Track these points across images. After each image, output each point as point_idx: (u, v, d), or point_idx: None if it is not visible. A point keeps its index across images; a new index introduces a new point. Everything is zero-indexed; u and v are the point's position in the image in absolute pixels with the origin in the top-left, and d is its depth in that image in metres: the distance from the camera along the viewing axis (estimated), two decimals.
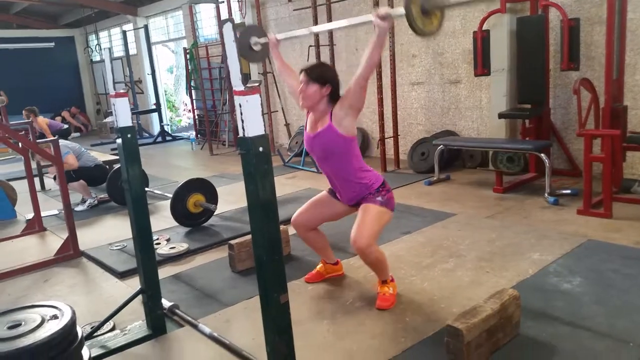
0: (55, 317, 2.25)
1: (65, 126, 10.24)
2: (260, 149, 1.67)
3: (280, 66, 3.13)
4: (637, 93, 4.87)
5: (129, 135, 2.47)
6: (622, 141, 4.35)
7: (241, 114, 1.64)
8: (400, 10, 2.06)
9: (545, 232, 3.87)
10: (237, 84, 1.63)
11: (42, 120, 9.13)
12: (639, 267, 3.14)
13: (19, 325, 2.19)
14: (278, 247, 1.78)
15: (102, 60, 14.41)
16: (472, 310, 2.33)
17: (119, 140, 2.47)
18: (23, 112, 8.64)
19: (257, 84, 1.65)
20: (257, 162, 1.67)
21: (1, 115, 4.96)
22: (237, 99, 1.64)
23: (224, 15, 8.25)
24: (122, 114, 2.44)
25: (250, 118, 1.65)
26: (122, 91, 2.40)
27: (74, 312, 2.28)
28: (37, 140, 4.43)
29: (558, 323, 2.59)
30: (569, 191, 4.72)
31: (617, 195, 4.31)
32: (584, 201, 4.19)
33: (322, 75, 2.78)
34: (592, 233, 3.77)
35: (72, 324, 2.24)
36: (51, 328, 2.17)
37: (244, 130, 1.66)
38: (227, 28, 1.60)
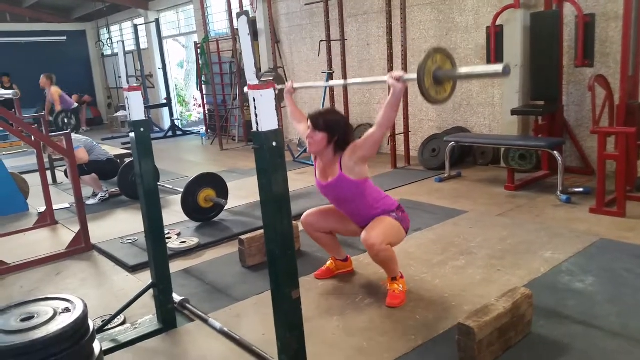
0: (67, 310, 2.27)
1: (76, 104, 10.13)
2: (274, 143, 1.67)
3: (293, 112, 3.22)
4: None
5: (142, 129, 2.47)
6: (637, 139, 4.28)
7: (255, 108, 1.63)
8: (414, 75, 2.11)
9: (558, 230, 3.83)
10: (251, 77, 1.62)
11: (55, 91, 9.14)
12: None
13: (32, 317, 2.21)
14: (290, 242, 1.78)
15: (114, 55, 14.47)
16: (483, 308, 2.32)
17: (132, 134, 2.47)
18: (42, 76, 8.74)
19: (271, 78, 1.63)
20: (271, 156, 1.66)
21: (14, 107, 5.00)
22: (252, 93, 1.63)
23: (235, 9, 8.24)
24: (135, 108, 2.44)
25: (264, 112, 1.64)
26: (135, 85, 2.40)
27: (85, 306, 2.29)
28: (50, 134, 4.45)
29: (570, 322, 2.56)
30: (581, 189, 4.67)
31: (630, 194, 4.26)
32: (597, 200, 4.15)
33: (328, 123, 2.78)
34: (605, 232, 3.73)
35: (84, 317, 2.25)
36: (63, 321, 2.18)
37: (257, 124, 1.65)
38: (242, 21, 1.58)
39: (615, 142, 4.24)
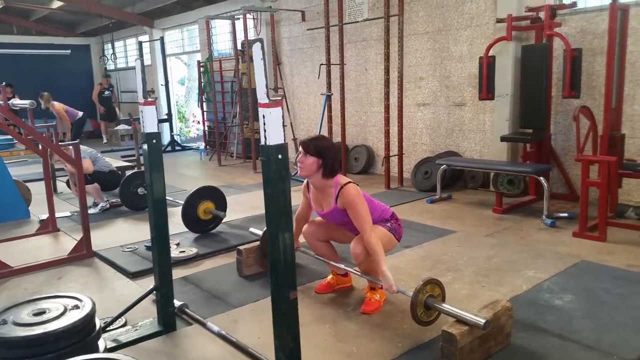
0: (76, 307, 2.42)
1: (81, 113, 10.60)
2: (280, 156, 1.85)
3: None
4: (635, 122, 5.05)
5: (154, 141, 2.66)
6: (619, 168, 4.50)
7: (264, 124, 1.82)
8: (409, 293, 2.65)
9: (541, 252, 4.01)
10: (262, 97, 1.81)
11: (60, 106, 9.41)
12: (628, 287, 3.29)
13: (43, 312, 2.35)
14: (291, 245, 1.95)
15: (117, 69, 14.72)
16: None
17: (145, 145, 2.65)
18: (44, 94, 9.01)
19: (279, 98, 1.83)
20: (276, 167, 1.85)
21: (28, 117, 5.20)
22: (262, 111, 1.82)
23: (240, 31, 8.50)
24: (149, 121, 2.63)
25: (272, 128, 1.83)
26: (150, 99, 2.59)
27: (94, 304, 2.44)
28: (60, 143, 4.62)
29: (548, 335, 2.73)
30: (565, 214, 4.87)
31: (611, 220, 4.46)
32: (580, 224, 4.34)
33: (318, 148, 2.92)
34: (586, 254, 3.92)
35: (92, 314, 2.40)
36: (73, 317, 2.33)
37: (265, 139, 1.84)
38: (256, 47, 1.78)
39: (598, 170, 4.45)
